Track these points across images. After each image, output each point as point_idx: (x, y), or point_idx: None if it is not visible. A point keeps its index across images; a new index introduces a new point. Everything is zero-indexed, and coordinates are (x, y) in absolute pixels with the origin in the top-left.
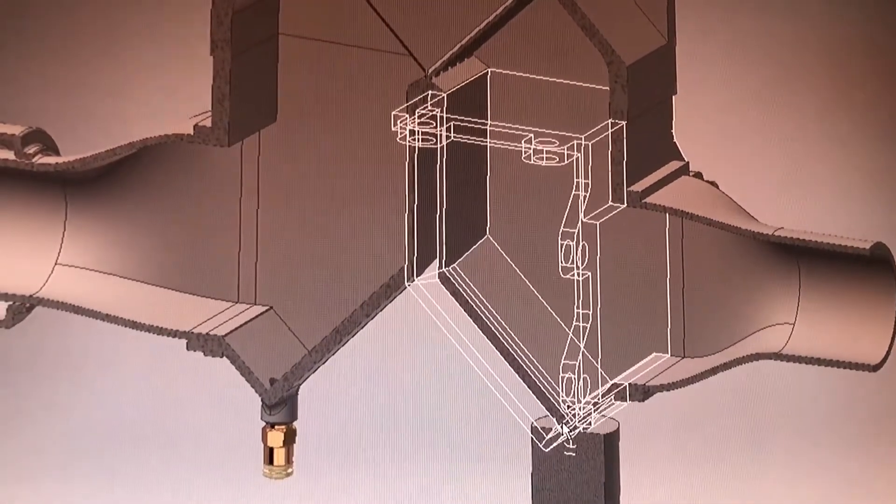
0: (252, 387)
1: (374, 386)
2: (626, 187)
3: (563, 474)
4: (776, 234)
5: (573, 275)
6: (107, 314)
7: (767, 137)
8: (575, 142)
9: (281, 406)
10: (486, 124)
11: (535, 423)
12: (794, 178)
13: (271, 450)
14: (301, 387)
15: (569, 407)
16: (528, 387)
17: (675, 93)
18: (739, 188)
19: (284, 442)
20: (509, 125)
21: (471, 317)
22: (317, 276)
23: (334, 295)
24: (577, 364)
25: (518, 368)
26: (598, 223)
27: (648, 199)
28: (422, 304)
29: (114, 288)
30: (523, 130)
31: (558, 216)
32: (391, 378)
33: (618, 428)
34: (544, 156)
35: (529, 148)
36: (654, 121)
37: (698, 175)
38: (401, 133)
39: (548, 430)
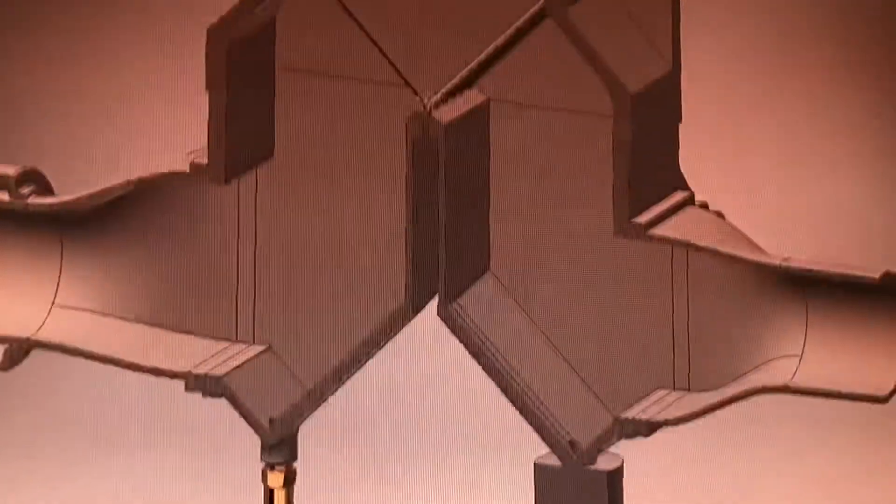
0: (252, 427)
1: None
2: (629, 218)
3: None
4: (783, 264)
5: None
6: (104, 356)
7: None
8: None
9: (281, 445)
10: None
11: (537, 461)
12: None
13: (271, 491)
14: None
15: None
16: (531, 424)
17: (681, 120)
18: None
19: (285, 483)
20: None
21: (472, 355)
22: (315, 314)
23: (334, 333)
24: None
25: (522, 407)
26: None
27: (652, 231)
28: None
29: (111, 328)
30: None
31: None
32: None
33: (622, 464)
34: None
35: None
36: (658, 150)
37: (704, 205)
38: None
39: (550, 468)
